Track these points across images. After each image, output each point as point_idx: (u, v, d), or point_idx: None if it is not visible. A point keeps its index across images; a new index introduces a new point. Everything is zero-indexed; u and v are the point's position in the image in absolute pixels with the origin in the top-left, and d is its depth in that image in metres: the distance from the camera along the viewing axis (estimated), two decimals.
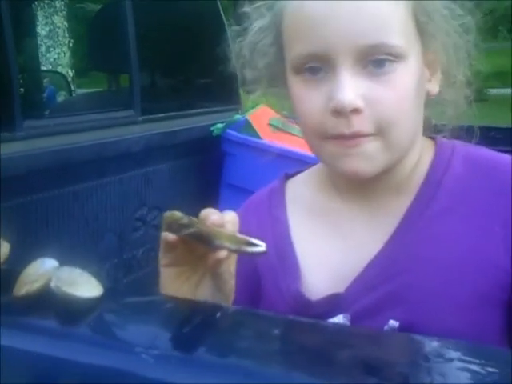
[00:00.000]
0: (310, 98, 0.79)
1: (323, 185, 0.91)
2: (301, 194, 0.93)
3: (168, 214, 0.73)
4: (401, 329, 0.79)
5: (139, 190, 2.35)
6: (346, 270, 0.84)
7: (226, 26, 2.76)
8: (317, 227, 0.89)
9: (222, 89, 2.79)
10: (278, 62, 0.85)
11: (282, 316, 0.67)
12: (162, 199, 2.41)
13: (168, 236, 0.73)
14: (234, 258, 0.76)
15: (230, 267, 0.76)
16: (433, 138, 0.88)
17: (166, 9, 2.68)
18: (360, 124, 0.76)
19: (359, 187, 0.86)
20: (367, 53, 0.75)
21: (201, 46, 2.73)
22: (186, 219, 0.71)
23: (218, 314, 0.60)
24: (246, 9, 0.86)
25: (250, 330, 0.60)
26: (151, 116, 2.42)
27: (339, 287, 0.83)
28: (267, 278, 0.90)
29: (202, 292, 0.78)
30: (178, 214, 0.72)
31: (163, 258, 0.77)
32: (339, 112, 0.76)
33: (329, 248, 0.87)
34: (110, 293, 0.63)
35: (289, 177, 0.96)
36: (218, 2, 2.78)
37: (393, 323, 0.79)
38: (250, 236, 0.71)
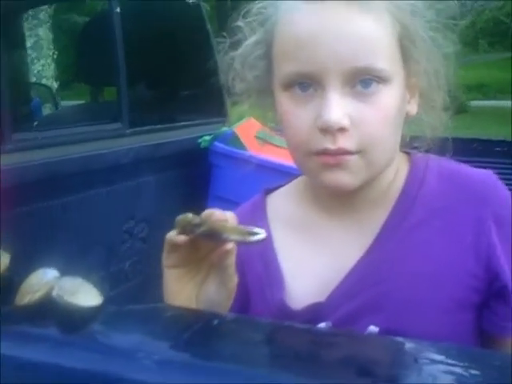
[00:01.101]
0: (298, 114, 0.82)
1: (304, 198, 0.95)
2: (282, 208, 0.96)
3: (181, 216, 0.76)
4: (380, 334, 0.83)
5: (127, 202, 2.36)
6: (328, 279, 0.87)
7: (213, 39, 2.79)
8: (299, 239, 0.93)
9: (210, 101, 2.82)
10: (267, 76, 0.88)
11: (278, 323, 0.69)
12: (150, 212, 2.42)
13: (178, 237, 0.77)
14: (235, 253, 0.79)
15: (233, 261, 0.80)
16: (408, 153, 0.92)
17: (154, 22, 2.71)
18: (344, 142, 0.80)
19: (339, 200, 0.90)
20: (356, 74, 0.79)
21: (188, 59, 2.75)
22: (197, 219, 0.75)
23: (216, 322, 0.62)
24: (239, 23, 0.89)
25: (247, 337, 0.62)
26: (139, 128, 2.43)
27: (321, 296, 0.87)
28: (255, 289, 0.93)
29: (207, 290, 0.81)
30: (189, 215, 0.76)
31: (168, 259, 0.80)
32: (326, 130, 0.79)
33: (311, 259, 0.90)
34: (110, 302, 0.65)
35: (269, 191, 0.99)
36: (205, 16, 2.81)
37: (372, 329, 0.83)
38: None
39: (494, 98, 17.67)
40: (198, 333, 0.60)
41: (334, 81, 0.79)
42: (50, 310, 0.62)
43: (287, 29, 0.83)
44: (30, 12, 8.86)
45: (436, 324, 0.83)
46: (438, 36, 0.85)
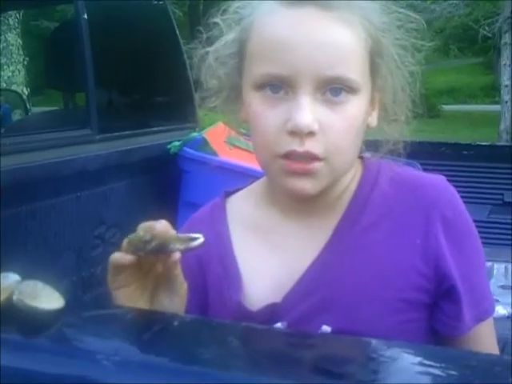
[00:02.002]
0: (267, 115, 0.83)
1: (262, 201, 0.96)
2: (241, 210, 0.98)
3: (132, 236, 0.77)
4: (333, 333, 0.84)
5: (97, 208, 2.35)
6: (285, 280, 0.89)
7: (181, 44, 2.79)
8: (257, 241, 0.94)
9: (179, 107, 2.82)
10: (237, 75, 0.89)
11: (234, 323, 0.70)
12: (121, 217, 2.42)
13: (125, 257, 0.77)
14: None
15: (180, 269, 0.81)
16: (361, 157, 0.94)
17: (123, 28, 2.71)
18: (312, 146, 0.81)
19: (297, 203, 0.91)
20: (327, 82, 0.81)
21: (157, 65, 2.75)
22: (148, 235, 0.76)
23: (176, 323, 0.64)
24: (216, 19, 0.90)
25: (205, 337, 0.63)
26: (108, 135, 2.43)
27: (277, 297, 0.89)
28: (214, 290, 0.94)
29: (160, 302, 0.82)
30: (140, 232, 0.76)
31: (114, 282, 0.81)
32: (295, 133, 0.81)
33: (268, 260, 0.92)
34: (71, 305, 0.66)
35: (229, 194, 1.01)
36: (174, 22, 2.82)
37: (325, 328, 0.85)
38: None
39: (465, 103, 17.90)
40: (157, 334, 0.61)
41: (306, 86, 0.81)
42: (10, 314, 0.62)
43: (263, 30, 0.84)
44: None
45: (385, 323, 0.85)
46: (405, 54, 0.88)
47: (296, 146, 0.81)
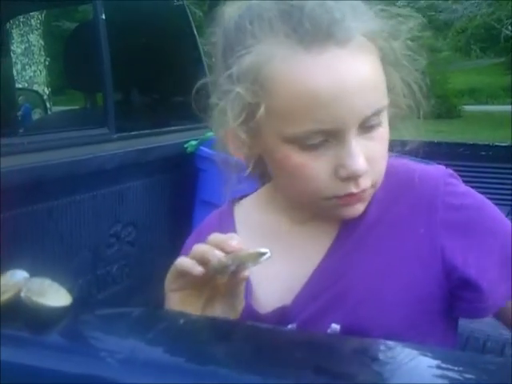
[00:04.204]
0: (312, 166, 0.81)
1: (269, 207, 0.96)
2: (249, 216, 0.98)
3: (216, 262, 0.75)
4: (342, 331, 0.84)
5: (114, 206, 2.36)
6: (293, 283, 0.89)
7: (199, 43, 2.80)
8: (265, 245, 0.91)
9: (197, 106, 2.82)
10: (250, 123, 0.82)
11: (239, 322, 0.70)
12: (137, 216, 2.43)
13: (195, 268, 0.76)
14: None
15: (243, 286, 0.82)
16: None
17: (141, 27, 2.72)
18: (365, 182, 0.83)
19: (302, 212, 0.92)
20: (368, 120, 0.81)
21: (175, 65, 2.76)
22: (229, 260, 0.75)
23: (181, 321, 0.64)
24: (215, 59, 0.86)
25: (211, 336, 0.63)
26: (126, 134, 2.44)
27: (287, 300, 0.89)
28: None
29: (212, 314, 0.81)
30: (222, 259, 0.75)
31: (173, 283, 0.80)
32: (349, 179, 0.81)
33: (277, 264, 0.90)
34: (78, 303, 0.66)
35: (236, 200, 1.01)
36: (192, 21, 2.82)
37: (334, 326, 0.85)
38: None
39: (486, 103, 17.75)
40: (162, 332, 0.61)
41: (352, 131, 0.80)
42: (18, 311, 0.63)
43: (289, 84, 0.78)
44: (21, 18, 8.88)
45: (394, 317, 0.85)
46: (411, 53, 0.86)
47: (353, 189, 0.82)
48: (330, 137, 0.80)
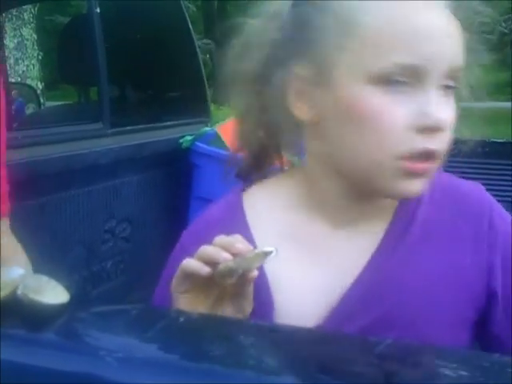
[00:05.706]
0: (393, 111, 0.76)
1: (297, 203, 0.86)
2: (265, 213, 0.88)
3: (221, 267, 0.74)
4: None
5: (108, 202, 2.35)
6: (327, 297, 0.83)
7: (195, 38, 2.79)
8: (290, 250, 0.84)
9: (192, 101, 2.81)
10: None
11: (240, 320, 0.69)
12: (131, 211, 2.42)
13: (203, 268, 0.74)
14: None
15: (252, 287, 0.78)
16: None
17: (135, 22, 2.70)
18: (439, 144, 0.76)
19: (346, 210, 0.84)
20: (449, 74, 0.77)
21: (170, 60, 2.74)
22: (234, 265, 0.73)
23: (181, 319, 0.63)
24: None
25: (211, 334, 0.62)
26: (120, 129, 2.42)
27: (318, 317, 0.82)
28: None
29: (221, 314, 0.79)
30: (229, 263, 0.74)
31: (181, 285, 0.78)
32: (430, 129, 0.75)
33: (307, 275, 0.85)
34: (76, 300, 0.65)
35: (244, 190, 0.91)
36: (187, 16, 2.80)
37: None
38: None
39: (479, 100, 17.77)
40: (161, 330, 0.60)
41: (437, 77, 0.76)
42: (14, 309, 0.62)
43: (385, 14, 0.76)
44: (14, 12, 8.83)
45: (446, 340, 0.81)
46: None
47: (429, 144, 0.75)
48: (415, 79, 0.75)
